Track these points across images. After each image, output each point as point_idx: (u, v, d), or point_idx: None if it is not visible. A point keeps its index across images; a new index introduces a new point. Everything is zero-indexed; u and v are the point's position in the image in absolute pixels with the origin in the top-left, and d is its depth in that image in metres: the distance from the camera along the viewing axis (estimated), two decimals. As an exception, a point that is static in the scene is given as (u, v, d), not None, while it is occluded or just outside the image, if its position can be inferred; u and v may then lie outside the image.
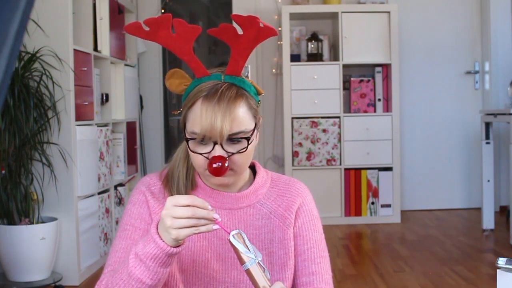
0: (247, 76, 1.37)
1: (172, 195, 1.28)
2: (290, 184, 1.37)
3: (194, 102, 1.22)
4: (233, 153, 1.22)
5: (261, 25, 1.20)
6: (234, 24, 1.21)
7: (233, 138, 1.21)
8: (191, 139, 1.22)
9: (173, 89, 1.28)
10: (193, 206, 1.10)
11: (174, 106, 5.44)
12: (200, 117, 1.19)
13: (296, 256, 1.33)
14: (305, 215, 1.35)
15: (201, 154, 1.22)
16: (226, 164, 1.20)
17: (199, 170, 1.26)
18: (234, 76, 1.25)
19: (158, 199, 1.31)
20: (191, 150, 1.23)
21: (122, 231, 1.30)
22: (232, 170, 1.24)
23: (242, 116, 1.22)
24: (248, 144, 1.23)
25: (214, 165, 1.19)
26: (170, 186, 1.31)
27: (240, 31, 1.20)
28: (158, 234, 1.13)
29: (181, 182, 1.30)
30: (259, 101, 1.28)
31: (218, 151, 1.20)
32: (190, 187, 1.31)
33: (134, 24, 1.19)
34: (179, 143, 1.36)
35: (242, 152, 1.23)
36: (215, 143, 1.20)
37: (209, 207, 1.12)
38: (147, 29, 1.18)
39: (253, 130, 1.24)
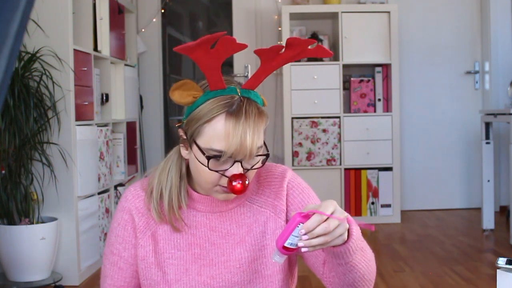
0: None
1: (156, 211, 1.27)
2: (271, 169, 1.35)
3: (213, 117, 1.17)
4: (248, 170, 1.20)
5: (310, 47, 1.16)
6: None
7: (255, 155, 1.19)
8: (214, 156, 1.17)
9: (178, 100, 1.21)
10: None
11: (174, 106, 5.44)
12: (227, 135, 1.15)
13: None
14: (295, 190, 1.33)
15: (219, 171, 1.18)
16: (247, 182, 1.18)
17: (207, 186, 1.22)
18: (249, 90, 1.22)
19: (143, 214, 1.30)
20: (209, 168, 1.18)
21: (110, 254, 1.34)
22: None
23: (262, 133, 1.20)
24: (267, 159, 1.22)
25: (234, 183, 1.17)
26: (155, 202, 1.28)
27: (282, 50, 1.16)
28: None
29: (174, 197, 1.27)
30: None
31: (238, 168, 1.18)
32: (183, 201, 1.28)
33: (187, 45, 1.13)
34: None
35: (256, 167, 1.21)
36: (235, 161, 1.17)
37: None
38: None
39: (264, 143, 1.23)
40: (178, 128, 1.26)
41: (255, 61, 5.13)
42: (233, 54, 1.17)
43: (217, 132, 1.16)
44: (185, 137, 1.23)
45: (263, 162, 1.22)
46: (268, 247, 1.30)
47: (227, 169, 1.18)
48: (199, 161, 1.19)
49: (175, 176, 1.28)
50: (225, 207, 1.30)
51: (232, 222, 1.30)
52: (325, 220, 1.07)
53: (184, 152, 1.25)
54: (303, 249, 1.08)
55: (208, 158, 1.17)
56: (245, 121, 1.16)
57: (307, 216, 1.08)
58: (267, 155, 1.21)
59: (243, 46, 1.13)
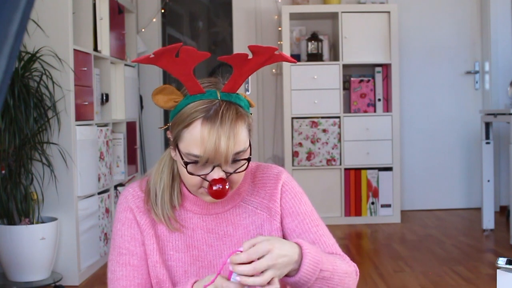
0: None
1: (154, 211, 1.28)
2: (267, 171, 1.35)
3: (191, 122, 1.18)
4: (231, 173, 1.20)
5: (277, 52, 1.17)
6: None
7: (234, 159, 1.19)
8: (191, 162, 1.18)
9: (161, 105, 1.23)
10: None
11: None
12: (202, 140, 1.16)
13: (290, 234, 1.32)
14: (288, 194, 1.33)
15: (199, 176, 1.19)
16: (227, 186, 1.18)
17: (191, 189, 1.24)
18: (229, 93, 1.21)
19: (144, 213, 1.30)
20: (189, 173, 1.19)
21: (118, 256, 1.29)
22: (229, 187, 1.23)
23: (242, 136, 1.19)
24: (248, 163, 1.22)
25: (215, 188, 1.17)
26: (153, 202, 1.29)
27: (250, 56, 1.17)
28: None
29: (166, 197, 1.28)
30: (251, 113, 1.26)
31: (218, 173, 1.18)
32: (176, 201, 1.29)
33: (142, 58, 1.15)
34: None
35: (240, 171, 1.21)
36: (214, 166, 1.18)
37: None
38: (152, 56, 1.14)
39: (249, 147, 1.23)
40: (166, 130, 1.27)
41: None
42: (198, 62, 1.17)
43: (194, 137, 1.17)
44: (172, 139, 1.24)
45: (246, 166, 1.22)
46: None
47: (208, 174, 1.18)
48: (182, 165, 1.21)
49: (167, 177, 1.29)
50: (221, 209, 1.31)
51: (229, 224, 1.31)
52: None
53: (173, 153, 1.26)
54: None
55: (186, 163, 1.18)
56: (220, 126, 1.16)
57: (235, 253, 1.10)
58: (248, 159, 1.21)
59: (205, 55, 1.14)
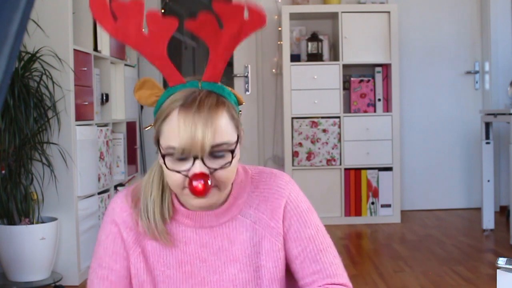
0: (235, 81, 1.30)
1: (144, 224, 1.19)
2: (271, 182, 1.23)
3: (168, 113, 1.09)
4: (215, 169, 1.09)
5: (245, 17, 1.06)
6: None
7: (215, 152, 1.09)
8: (167, 154, 1.09)
9: (143, 102, 1.15)
10: None
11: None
12: (178, 129, 1.06)
13: (293, 261, 1.22)
14: (293, 214, 1.22)
15: (179, 172, 1.09)
16: (209, 182, 1.07)
17: (176, 190, 1.13)
18: (212, 83, 1.12)
19: (131, 229, 1.21)
20: (168, 168, 1.09)
21: (98, 268, 1.23)
22: (216, 187, 1.12)
23: (224, 126, 1.09)
24: (233, 158, 1.11)
25: (195, 183, 1.06)
26: (143, 215, 1.19)
27: (221, 26, 1.07)
28: None
29: (156, 209, 1.18)
30: (240, 111, 1.17)
31: (199, 167, 1.07)
32: (167, 213, 1.19)
33: (100, 3, 1.04)
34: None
35: (226, 167, 1.10)
36: (195, 158, 1.07)
37: None
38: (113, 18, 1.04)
39: (236, 142, 1.12)
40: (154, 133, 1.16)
41: (255, 61, 5.13)
42: (169, 35, 1.06)
43: (172, 127, 1.08)
44: (155, 139, 1.15)
45: (231, 161, 1.11)
46: (263, 268, 1.21)
47: (189, 169, 1.09)
48: (163, 163, 1.11)
49: (156, 187, 1.19)
50: (216, 222, 1.20)
51: (224, 238, 1.20)
52: None
53: (159, 158, 1.16)
54: None
55: (163, 156, 1.09)
56: (197, 112, 1.06)
57: None
58: (231, 151, 1.10)
59: (172, 22, 1.06)
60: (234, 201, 1.21)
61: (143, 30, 1.08)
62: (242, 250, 1.21)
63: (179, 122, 1.07)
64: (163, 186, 1.20)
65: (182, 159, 1.09)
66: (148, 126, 1.20)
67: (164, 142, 1.10)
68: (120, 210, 1.22)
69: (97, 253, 1.24)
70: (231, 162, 1.11)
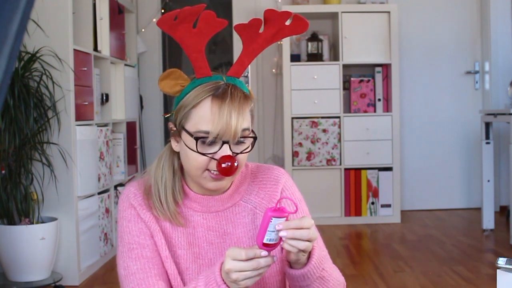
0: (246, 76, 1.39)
1: (157, 207, 1.28)
2: (268, 173, 1.36)
3: (199, 101, 1.20)
4: (237, 154, 1.22)
5: (287, 23, 1.22)
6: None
7: (240, 138, 1.21)
8: (201, 138, 1.19)
9: (167, 90, 1.26)
10: (254, 258, 1.10)
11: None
12: (213, 116, 1.18)
13: None
14: (288, 200, 1.35)
15: (205, 154, 1.20)
16: (236, 164, 1.20)
17: (196, 172, 1.24)
18: (235, 78, 1.25)
19: (147, 210, 1.29)
20: (197, 151, 1.20)
21: (129, 251, 1.27)
22: None
23: (248, 117, 1.23)
24: (254, 143, 1.24)
25: (224, 165, 1.19)
26: (155, 198, 1.28)
27: (261, 29, 1.21)
28: (223, 281, 1.13)
29: (169, 191, 1.28)
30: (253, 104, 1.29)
31: (227, 150, 1.20)
32: (179, 196, 1.29)
33: (166, 16, 1.19)
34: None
35: (246, 152, 1.23)
36: (224, 143, 1.20)
37: (263, 253, 1.11)
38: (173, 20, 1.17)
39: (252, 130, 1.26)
40: (168, 121, 1.29)
41: (255, 61, 5.12)
42: (215, 33, 1.22)
43: (204, 114, 1.19)
44: (175, 128, 1.26)
45: (252, 145, 1.24)
46: None
47: (216, 152, 1.20)
48: (188, 147, 1.22)
49: (168, 171, 1.30)
50: (221, 207, 1.31)
51: (229, 222, 1.31)
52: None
53: (174, 145, 1.29)
54: (283, 244, 1.12)
55: (196, 139, 1.20)
56: (231, 102, 1.19)
57: (276, 210, 1.12)
58: (254, 138, 1.23)
59: (224, 23, 1.20)
60: (237, 188, 1.32)
61: (192, 27, 1.21)
62: (245, 232, 1.32)
63: (213, 110, 1.18)
64: (174, 171, 1.31)
65: (212, 143, 1.20)
66: (169, 114, 1.29)
67: (193, 127, 1.21)
68: (134, 195, 1.31)
69: (123, 241, 1.29)
70: (252, 146, 1.24)
